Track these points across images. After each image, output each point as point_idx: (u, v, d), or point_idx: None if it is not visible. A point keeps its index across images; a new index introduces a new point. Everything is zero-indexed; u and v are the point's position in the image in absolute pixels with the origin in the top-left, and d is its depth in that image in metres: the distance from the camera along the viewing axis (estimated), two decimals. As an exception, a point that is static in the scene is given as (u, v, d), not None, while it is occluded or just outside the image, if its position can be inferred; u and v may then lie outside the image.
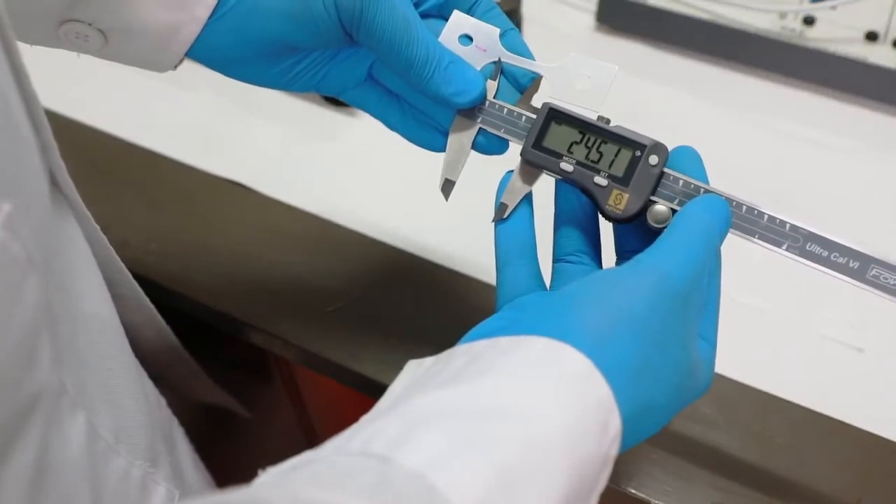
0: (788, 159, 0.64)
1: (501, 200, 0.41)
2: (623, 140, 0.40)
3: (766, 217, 0.39)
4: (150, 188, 0.65)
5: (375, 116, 0.46)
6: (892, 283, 0.38)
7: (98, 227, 0.42)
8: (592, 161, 0.40)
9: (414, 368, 0.37)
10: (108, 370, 0.41)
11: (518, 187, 0.41)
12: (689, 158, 0.40)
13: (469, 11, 0.44)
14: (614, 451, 0.34)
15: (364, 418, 0.33)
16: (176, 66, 0.44)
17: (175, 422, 0.50)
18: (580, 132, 0.40)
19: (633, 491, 0.49)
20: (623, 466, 0.49)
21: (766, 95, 0.68)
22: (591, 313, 0.35)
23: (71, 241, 0.39)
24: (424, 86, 0.41)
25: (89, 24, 0.41)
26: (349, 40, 0.42)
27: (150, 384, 0.47)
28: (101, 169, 0.66)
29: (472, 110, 0.42)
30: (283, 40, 0.42)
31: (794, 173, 0.63)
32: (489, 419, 0.31)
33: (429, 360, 0.36)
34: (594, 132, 0.40)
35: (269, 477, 0.31)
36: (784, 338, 0.55)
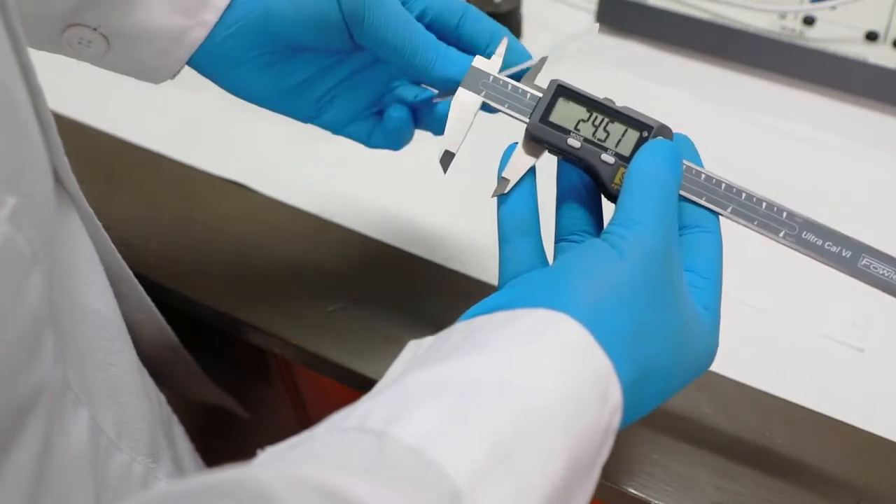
0: (788, 159, 0.64)
1: (503, 175, 0.40)
2: (631, 120, 0.40)
3: (764, 204, 0.39)
4: (150, 188, 0.65)
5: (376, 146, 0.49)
6: (881, 272, 0.38)
7: (101, 225, 0.42)
8: (599, 139, 0.40)
9: (414, 348, 0.37)
10: (111, 366, 0.41)
11: (521, 163, 0.40)
12: (685, 146, 0.41)
13: (458, 23, 0.44)
14: (616, 421, 0.34)
15: (363, 398, 0.33)
16: (174, 76, 0.44)
17: (175, 419, 0.51)
18: (588, 110, 0.40)
19: (633, 491, 0.49)
20: (623, 466, 0.49)
21: (766, 95, 0.68)
22: (583, 283, 0.35)
23: (74, 238, 0.40)
24: (430, 70, 0.42)
25: (94, 29, 0.41)
26: (350, 42, 0.42)
27: (150, 381, 0.47)
28: (102, 169, 0.66)
29: (476, 83, 0.42)
30: (287, 38, 0.42)
31: (794, 173, 0.63)
32: (486, 392, 0.31)
33: (428, 340, 0.37)
34: (602, 111, 0.40)
35: (267, 456, 0.31)
36: (784, 337, 0.55)
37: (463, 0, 0.44)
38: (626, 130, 0.40)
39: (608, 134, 0.40)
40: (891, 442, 0.50)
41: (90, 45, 0.42)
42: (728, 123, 0.67)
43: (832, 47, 0.66)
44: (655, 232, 0.36)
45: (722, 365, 0.53)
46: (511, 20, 0.71)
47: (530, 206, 0.40)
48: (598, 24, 0.73)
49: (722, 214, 0.39)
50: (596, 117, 0.40)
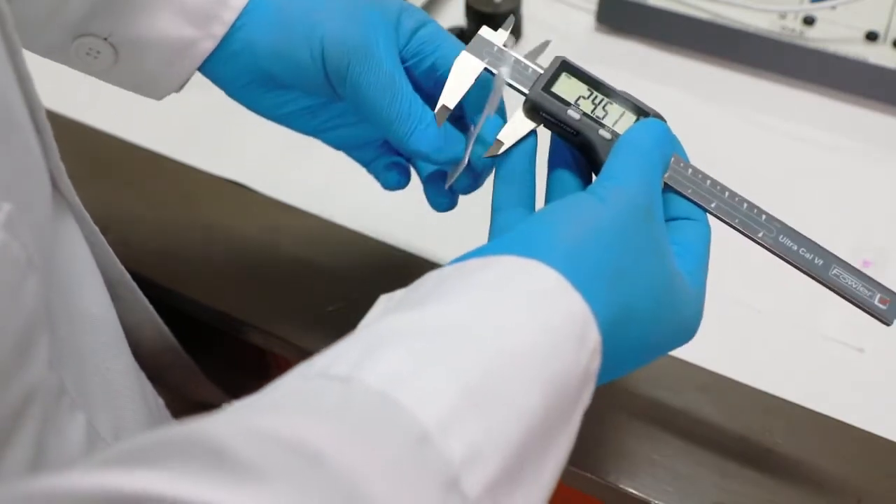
0: (788, 159, 0.64)
1: (497, 137, 0.40)
2: (629, 104, 0.41)
3: (745, 205, 0.40)
4: (150, 188, 0.65)
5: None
6: (850, 283, 0.40)
7: (97, 229, 0.42)
8: (598, 116, 0.40)
9: (384, 302, 0.36)
10: (108, 370, 0.41)
11: (518, 128, 0.41)
12: (675, 140, 0.41)
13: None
14: (595, 365, 0.33)
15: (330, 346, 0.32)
16: (180, 88, 0.45)
17: (174, 423, 0.50)
18: (589, 88, 0.41)
19: (633, 491, 0.49)
20: (623, 466, 0.49)
21: (766, 95, 0.68)
22: (559, 230, 0.35)
23: (71, 243, 0.40)
24: (405, 143, 0.42)
25: (104, 39, 0.42)
26: (334, 93, 0.43)
27: (148, 385, 0.47)
28: (102, 169, 0.66)
29: (480, 50, 0.42)
30: (272, 76, 0.43)
31: (794, 173, 0.63)
32: (454, 336, 0.31)
33: (399, 292, 0.36)
34: (603, 91, 0.41)
35: (230, 409, 0.30)
36: (785, 338, 0.55)
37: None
38: (623, 112, 0.41)
39: (606, 113, 0.41)
40: (891, 442, 0.50)
41: (98, 56, 0.42)
42: (728, 123, 0.67)
43: (832, 47, 0.66)
44: (637, 187, 0.36)
45: (722, 365, 0.53)
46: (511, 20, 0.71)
47: (526, 170, 0.40)
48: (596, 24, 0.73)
49: (706, 209, 0.40)
50: (596, 96, 0.41)
